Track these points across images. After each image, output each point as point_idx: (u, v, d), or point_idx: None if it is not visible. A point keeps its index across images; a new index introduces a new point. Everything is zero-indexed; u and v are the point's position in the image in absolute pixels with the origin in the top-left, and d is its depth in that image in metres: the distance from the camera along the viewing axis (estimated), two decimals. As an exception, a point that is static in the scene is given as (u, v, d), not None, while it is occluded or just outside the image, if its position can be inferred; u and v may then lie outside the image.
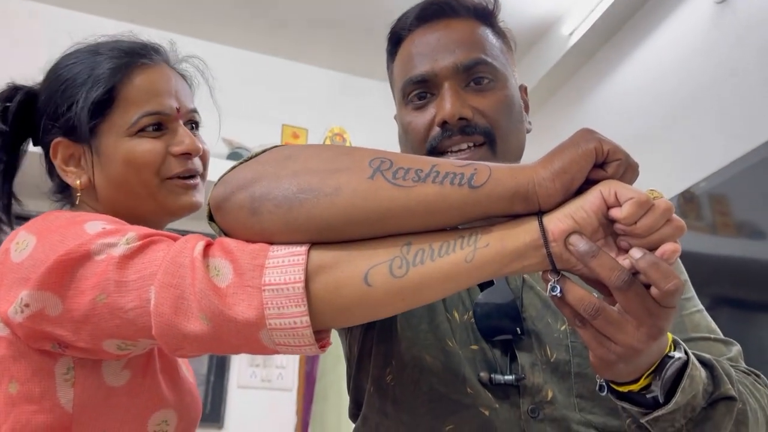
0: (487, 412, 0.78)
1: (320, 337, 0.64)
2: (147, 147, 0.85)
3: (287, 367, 3.23)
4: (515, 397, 0.79)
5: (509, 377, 0.79)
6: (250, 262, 0.62)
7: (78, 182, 0.86)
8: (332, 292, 0.61)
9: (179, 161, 0.87)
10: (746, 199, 2.21)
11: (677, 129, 2.55)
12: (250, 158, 0.70)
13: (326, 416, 3.74)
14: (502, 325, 0.81)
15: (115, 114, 0.85)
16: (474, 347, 0.82)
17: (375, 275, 0.61)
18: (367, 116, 3.07)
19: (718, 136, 2.34)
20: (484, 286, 0.83)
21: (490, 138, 0.84)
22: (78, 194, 0.87)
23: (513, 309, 0.82)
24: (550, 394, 0.79)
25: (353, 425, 0.92)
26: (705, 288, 2.15)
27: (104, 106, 0.85)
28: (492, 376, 0.79)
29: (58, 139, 0.86)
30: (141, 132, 0.85)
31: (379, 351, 0.85)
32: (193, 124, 0.93)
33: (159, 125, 0.87)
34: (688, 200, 2.41)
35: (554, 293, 0.59)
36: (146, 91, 0.86)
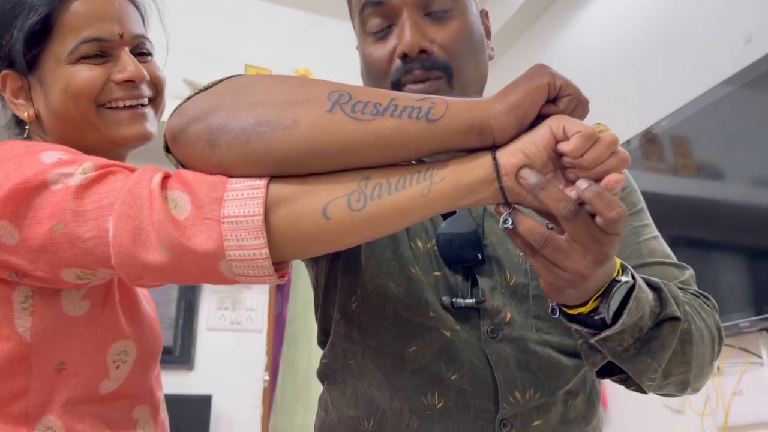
0: (448, 334, 0.81)
1: (279, 267, 0.65)
2: (85, 74, 0.82)
3: (257, 309, 3.26)
4: (475, 320, 0.82)
5: (470, 300, 0.82)
6: (208, 195, 0.62)
7: (26, 114, 0.84)
8: (291, 225, 0.62)
9: (121, 88, 0.84)
10: (706, 138, 2.24)
11: (638, 68, 2.57)
12: (207, 88, 0.69)
13: (297, 359, 3.81)
14: (464, 252, 0.84)
15: (55, 42, 0.83)
16: (437, 273, 0.84)
17: (333, 208, 0.62)
18: (333, 57, 3.03)
19: (679, 74, 2.37)
20: (446, 215, 0.85)
21: (449, 72, 0.84)
22: (26, 127, 0.85)
23: (474, 237, 0.84)
24: (508, 316, 0.82)
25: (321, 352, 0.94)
26: (664, 228, 2.21)
27: (42, 34, 0.82)
28: (453, 300, 0.82)
29: (5, 71, 0.84)
30: (82, 60, 0.83)
31: (345, 280, 0.87)
32: (143, 51, 0.89)
33: (102, 53, 0.84)
34: (649, 141, 2.45)
35: (506, 225, 0.62)
36: (86, 16, 0.83)
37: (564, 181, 0.61)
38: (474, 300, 0.82)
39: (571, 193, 0.60)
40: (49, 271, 0.69)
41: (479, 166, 0.61)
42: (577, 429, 0.84)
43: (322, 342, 0.94)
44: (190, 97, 0.69)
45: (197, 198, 0.63)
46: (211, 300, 3.19)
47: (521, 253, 0.84)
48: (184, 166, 0.68)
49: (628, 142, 2.50)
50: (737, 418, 2.00)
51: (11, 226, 0.67)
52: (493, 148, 0.62)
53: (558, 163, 0.61)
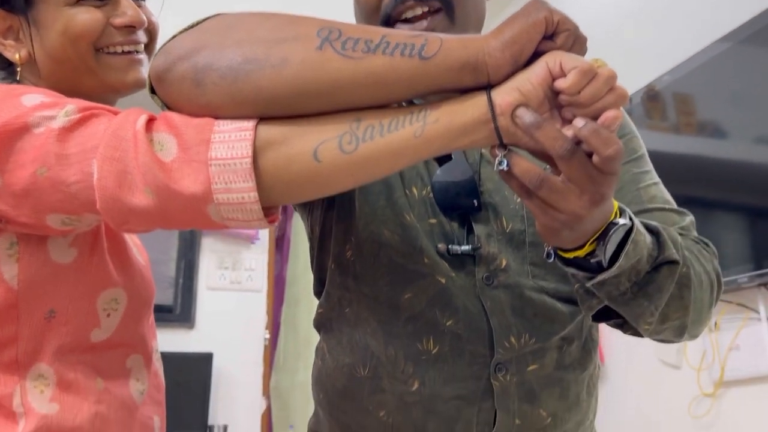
0: (443, 280, 0.81)
1: (268, 212, 0.64)
2: (85, 17, 0.80)
3: (256, 269, 3.27)
4: (471, 267, 0.82)
5: (465, 247, 0.81)
6: (195, 137, 0.61)
7: (17, 56, 0.82)
8: (281, 168, 0.61)
9: (120, 33, 0.82)
10: (709, 95, 2.22)
11: (640, 22, 2.53)
12: (192, 26, 0.67)
13: (298, 319, 3.84)
14: (460, 200, 0.83)
15: None
16: (432, 221, 0.83)
17: (324, 151, 0.61)
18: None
19: (681, 28, 2.32)
20: (442, 161, 0.84)
21: (449, 6, 0.81)
22: (18, 69, 0.83)
23: (471, 184, 0.83)
24: (504, 263, 0.82)
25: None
26: (666, 186, 2.20)
27: None
28: (449, 246, 0.81)
29: None
30: (81, 1, 0.81)
31: (339, 229, 0.87)
32: None
33: None
34: (651, 98, 2.42)
35: (501, 167, 0.60)
36: None
37: (560, 120, 0.60)
38: (470, 247, 0.81)
39: (568, 132, 0.58)
40: (33, 217, 0.68)
41: (473, 106, 0.60)
42: (573, 375, 0.84)
43: (317, 292, 0.94)
44: (175, 36, 0.67)
45: (183, 140, 0.61)
46: (210, 259, 3.20)
47: (518, 200, 0.84)
48: (169, 108, 0.67)
49: (630, 99, 2.47)
50: (733, 373, 2.01)
51: None
52: (488, 87, 0.60)
53: (554, 102, 0.60)
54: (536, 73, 0.59)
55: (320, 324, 0.92)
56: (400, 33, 0.61)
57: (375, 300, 0.83)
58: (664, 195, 0.88)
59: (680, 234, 0.79)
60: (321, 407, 0.91)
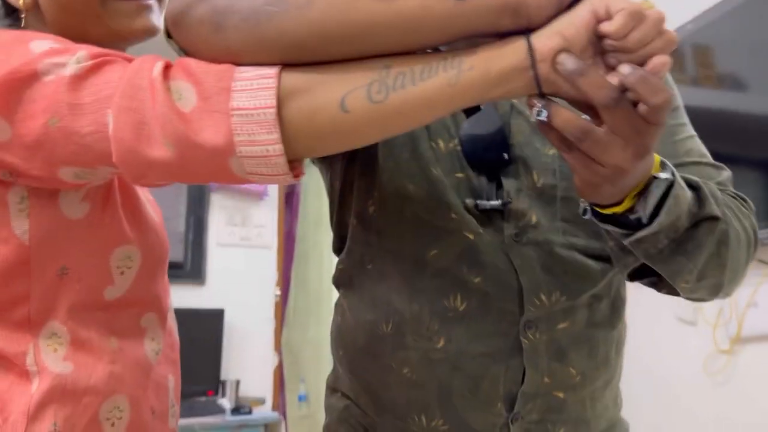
0: (471, 236, 0.78)
1: (293, 165, 0.61)
2: None
3: (266, 225, 3.26)
4: (499, 222, 0.79)
5: (495, 202, 0.78)
6: (215, 85, 0.58)
7: (21, 2, 0.78)
8: (306, 119, 0.58)
9: None
10: (729, 46, 2.15)
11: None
12: None
13: (308, 275, 3.87)
14: (489, 153, 0.80)
15: None
16: (459, 175, 0.80)
17: (352, 100, 0.58)
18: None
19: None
20: (470, 111, 0.80)
21: None
22: (22, 16, 0.78)
23: (500, 136, 0.80)
24: (534, 219, 0.79)
25: (336, 259, 0.92)
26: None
27: None
28: (477, 202, 0.79)
29: None
30: None
31: (361, 184, 0.84)
32: None
33: None
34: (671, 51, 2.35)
35: (540, 117, 0.57)
36: None
37: (604, 67, 0.56)
38: (499, 202, 0.78)
39: (613, 79, 0.55)
40: (45, 170, 0.65)
41: (512, 52, 0.56)
42: (603, 333, 0.82)
43: (338, 249, 0.91)
44: None
45: (203, 88, 0.58)
46: (220, 216, 3.18)
47: (550, 152, 0.80)
48: (187, 54, 0.63)
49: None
50: (751, 330, 2.00)
51: (2, 120, 0.63)
52: (528, 31, 0.57)
53: (598, 48, 0.56)
54: (580, 15, 0.55)
55: (340, 281, 0.90)
56: None
57: (399, 256, 0.81)
58: (700, 148, 0.85)
59: (718, 189, 0.76)
60: (341, 364, 0.89)
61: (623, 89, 0.55)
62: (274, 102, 0.57)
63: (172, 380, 0.86)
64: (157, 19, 0.80)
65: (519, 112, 0.82)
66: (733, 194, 0.80)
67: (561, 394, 0.79)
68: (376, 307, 0.82)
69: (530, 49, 0.56)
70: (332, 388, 0.92)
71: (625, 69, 0.54)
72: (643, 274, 0.75)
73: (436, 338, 0.78)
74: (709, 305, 2.14)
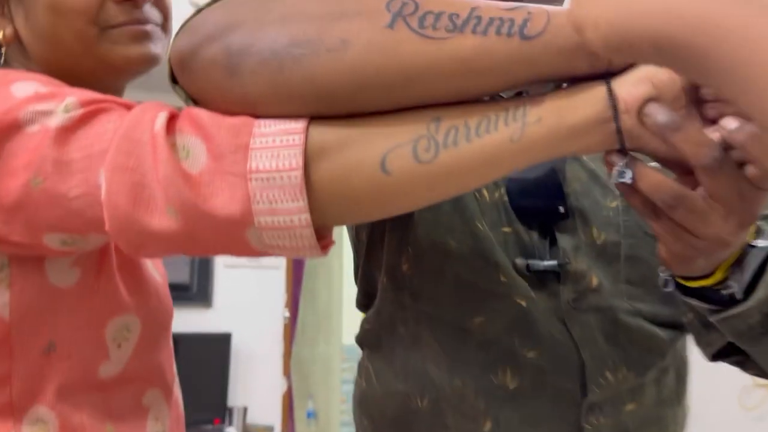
0: (523, 303, 0.69)
1: (321, 235, 0.53)
2: None
3: (274, 245, 3.22)
4: (554, 286, 0.70)
5: (550, 262, 0.70)
6: (230, 141, 0.50)
7: (1, 34, 0.70)
8: (339, 183, 0.50)
9: (122, 9, 0.69)
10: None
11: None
12: None
13: (317, 291, 3.83)
14: (541, 204, 0.71)
15: None
16: (506, 230, 0.71)
17: (395, 160, 0.49)
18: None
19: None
20: None
21: None
22: (3, 50, 0.71)
23: (554, 184, 0.71)
24: (594, 281, 0.70)
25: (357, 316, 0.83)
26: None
27: None
28: (529, 262, 0.70)
29: None
30: None
31: (393, 237, 0.75)
32: None
33: None
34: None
35: (623, 179, 0.49)
36: None
37: (699, 119, 0.48)
38: (555, 262, 0.69)
39: (714, 135, 0.46)
40: (27, 236, 0.57)
41: (588, 102, 0.48)
42: (671, 411, 0.73)
43: (363, 305, 0.82)
44: (201, 10, 0.55)
45: (215, 145, 0.50)
46: (227, 235, 3.14)
47: (612, 204, 0.71)
48: (195, 102, 0.55)
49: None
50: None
51: None
52: (608, 75, 0.48)
53: (693, 96, 0.47)
54: None
55: (365, 341, 0.81)
56: (494, 5, 0.49)
57: (438, 321, 0.72)
58: None
59: None
60: None
61: (727, 147, 0.46)
62: (300, 163, 0.49)
63: None
64: (156, 47, 0.72)
65: (575, 157, 0.73)
66: None
67: None
68: (408, 376, 0.73)
69: (612, 98, 0.47)
70: None
71: (730, 123, 0.46)
72: (727, 352, 0.65)
73: (482, 419, 0.69)
74: None
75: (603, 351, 0.68)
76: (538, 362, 0.68)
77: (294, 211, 0.49)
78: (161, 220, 0.51)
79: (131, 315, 0.69)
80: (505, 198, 0.71)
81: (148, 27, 0.71)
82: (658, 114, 0.46)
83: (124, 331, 0.69)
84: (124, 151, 0.52)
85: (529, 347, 0.68)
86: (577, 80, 0.49)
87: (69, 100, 0.55)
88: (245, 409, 2.94)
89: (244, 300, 3.08)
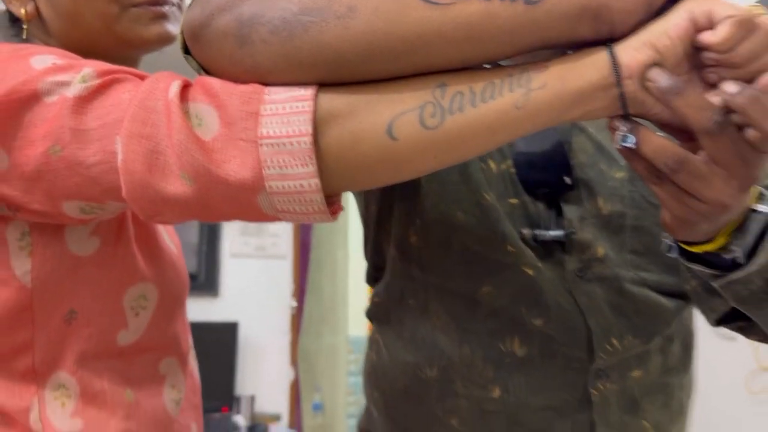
0: (530, 272, 0.70)
1: (330, 201, 0.54)
2: None
3: (281, 235, 3.21)
4: (560, 255, 0.71)
5: (556, 232, 0.70)
6: (241, 109, 0.51)
7: (23, 11, 0.71)
8: (348, 148, 0.51)
9: None
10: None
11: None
12: None
13: (322, 283, 3.82)
14: (547, 175, 0.72)
15: None
16: (513, 201, 0.72)
17: (402, 126, 0.50)
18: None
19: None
20: None
21: None
22: (25, 26, 0.72)
23: (560, 156, 0.71)
24: (600, 251, 0.71)
25: (365, 292, 0.85)
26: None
27: None
28: (535, 232, 0.71)
29: None
30: None
31: (401, 209, 0.76)
32: None
33: None
34: None
35: (626, 144, 0.50)
36: None
37: (701, 83, 0.48)
38: (561, 232, 0.70)
39: (715, 99, 0.47)
40: (47, 204, 0.58)
41: (592, 67, 0.49)
42: (677, 379, 0.74)
43: (373, 279, 0.83)
44: None
45: (227, 113, 0.51)
46: (234, 225, 3.13)
47: (618, 176, 0.72)
48: (207, 72, 0.56)
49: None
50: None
51: None
52: (610, 41, 0.49)
53: (696, 61, 0.48)
54: (675, 23, 0.47)
55: (375, 315, 0.83)
56: None
57: (446, 292, 0.73)
58: None
59: None
60: (376, 406, 0.82)
61: (728, 111, 0.47)
62: (310, 129, 0.50)
63: (195, 428, 0.79)
64: (173, 27, 0.73)
65: (581, 129, 0.73)
66: None
67: None
68: (418, 347, 0.75)
69: (615, 63, 0.48)
70: (364, 430, 0.84)
71: (731, 87, 0.46)
72: (729, 317, 0.66)
73: (491, 387, 0.70)
74: (748, 320, 2.07)
75: (609, 319, 0.69)
76: (545, 330, 0.69)
77: (304, 176, 0.50)
78: (175, 185, 0.52)
79: (148, 284, 0.71)
80: (512, 170, 0.72)
81: (166, 8, 0.73)
82: (661, 79, 0.47)
83: (141, 299, 0.70)
84: (140, 119, 0.53)
85: (536, 316, 0.69)
86: (580, 47, 0.50)
87: (86, 71, 0.56)
88: (252, 398, 2.95)
89: (251, 289, 3.10)
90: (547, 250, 0.71)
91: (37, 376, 0.65)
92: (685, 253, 0.60)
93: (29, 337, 0.64)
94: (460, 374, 0.72)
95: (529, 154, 0.72)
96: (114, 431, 0.67)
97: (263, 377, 3.05)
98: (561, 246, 0.71)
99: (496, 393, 0.70)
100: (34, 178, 0.57)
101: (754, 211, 0.56)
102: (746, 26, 0.45)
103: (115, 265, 0.68)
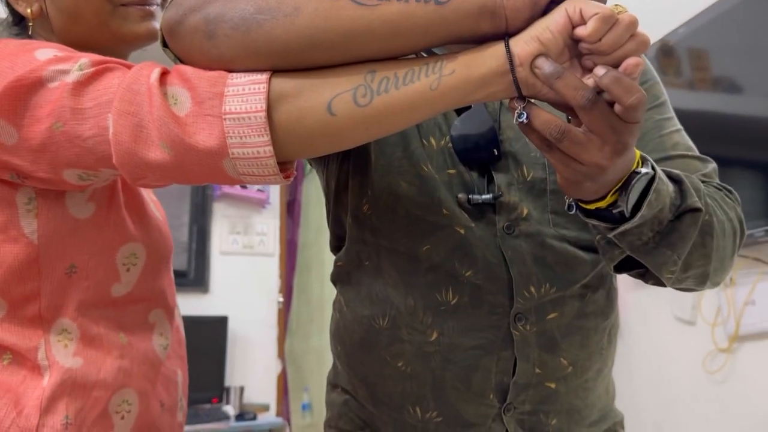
0: (462, 231, 0.80)
1: (284, 167, 0.64)
2: None
3: (268, 234, 3.28)
4: (491, 216, 0.81)
5: (486, 196, 0.81)
6: (208, 90, 0.61)
7: (29, 11, 0.81)
8: (295, 122, 0.61)
9: None
10: (723, 49, 2.18)
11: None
12: None
13: (310, 285, 3.86)
14: (480, 150, 0.82)
15: None
16: (451, 171, 0.83)
17: (339, 104, 0.61)
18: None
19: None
20: (460, 110, 0.83)
21: None
22: (30, 24, 0.82)
23: (491, 133, 0.82)
24: (525, 212, 0.81)
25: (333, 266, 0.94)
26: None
27: None
28: (469, 196, 0.81)
29: None
30: None
31: (355, 182, 0.86)
32: None
33: None
34: (665, 54, 2.38)
35: (521, 119, 0.60)
36: None
37: (580, 69, 0.59)
38: (490, 196, 0.80)
39: (589, 81, 0.57)
40: (50, 171, 0.68)
41: (491, 57, 0.59)
42: (594, 323, 0.84)
43: (335, 247, 0.94)
44: None
45: (197, 93, 0.61)
46: (222, 224, 3.21)
47: None
48: (182, 62, 0.66)
49: (644, 55, 2.43)
50: (748, 328, 2.01)
51: (9, 125, 0.66)
52: (506, 36, 0.59)
53: (574, 51, 0.59)
54: (556, 20, 0.58)
55: (338, 277, 0.93)
56: None
57: (394, 252, 0.83)
58: (686, 142, 0.87)
59: (703, 181, 0.78)
60: (339, 359, 0.92)
61: (599, 90, 0.57)
62: (264, 106, 0.59)
63: (181, 375, 0.88)
64: (158, 25, 0.84)
65: (508, 110, 0.84)
66: (718, 186, 0.82)
67: (553, 385, 0.81)
68: (373, 302, 0.85)
69: (509, 54, 0.58)
70: (332, 384, 0.94)
71: (599, 71, 0.57)
72: (629, 266, 0.76)
73: (430, 332, 0.80)
74: (707, 304, 2.15)
75: (530, 269, 0.79)
76: (474, 281, 0.79)
77: (260, 144, 0.60)
78: (156, 153, 0.62)
79: (138, 243, 0.80)
80: (450, 145, 0.83)
81: (154, 8, 0.84)
82: (545, 66, 0.57)
83: (132, 257, 0.80)
84: (127, 100, 0.63)
85: (467, 268, 0.79)
86: (483, 41, 0.60)
87: (82, 61, 0.66)
88: (242, 389, 3.00)
89: (239, 286, 3.14)
90: (480, 212, 0.81)
91: (43, 322, 0.74)
92: (583, 211, 0.70)
93: (36, 287, 0.74)
94: (405, 322, 0.81)
95: (465, 134, 0.82)
96: (110, 367, 0.76)
97: (252, 369, 3.10)
98: (492, 208, 0.81)
99: (434, 336, 0.80)
100: (39, 150, 0.66)
101: (637, 173, 0.65)
102: (609, 21, 0.56)
103: (108, 227, 0.77)
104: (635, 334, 2.51)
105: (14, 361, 0.73)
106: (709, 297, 2.13)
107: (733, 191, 0.83)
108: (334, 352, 0.93)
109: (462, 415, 0.80)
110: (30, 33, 0.82)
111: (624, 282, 2.57)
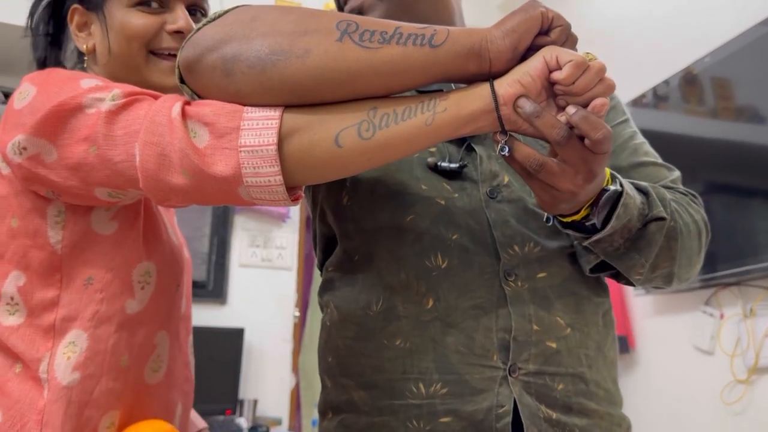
0: (443, 202, 0.86)
1: (293, 191, 0.70)
2: (141, 20, 0.89)
3: (287, 247, 3.31)
4: (473, 184, 0.87)
5: (454, 165, 0.87)
6: (225, 125, 0.67)
7: (85, 47, 0.92)
8: (305, 153, 0.67)
9: (172, 38, 0.91)
10: (747, 79, 2.17)
11: (678, 5, 2.48)
12: (214, 18, 0.72)
13: None
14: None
15: None
16: (432, 149, 0.89)
17: (345, 137, 0.67)
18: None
19: (721, 11, 2.28)
20: None
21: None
22: (86, 58, 0.93)
23: None
24: (506, 179, 0.88)
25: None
26: (701, 173, 2.17)
27: None
28: (449, 165, 0.87)
29: (74, 5, 0.93)
30: (140, 6, 0.90)
31: (332, 183, 0.91)
32: (198, 9, 0.96)
33: (160, 3, 0.91)
34: (689, 82, 2.38)
35: (504, 152, 0.68)
36: None
37: (555, 108, 0.67)
38: (458, 165, 0.87)
39: (561, 118, 0.66)
40: (83, 189, 0.75)
41: (479, 97, 0.67)
42: (586, 293, 0.88)
43: (321, 262, 0.99)
44: (200, 28, 0.72)
45: (215, 128, 0.67)
46: (242, 237, 3.25)
47: None
48: (199, 97, 0.72)
49: (666, 82, 2.44)
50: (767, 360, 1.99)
51: (50, 144, 0.73)
52: (491, 79, 0.67)
53: (550, 92, 0.67)
54: (534, 66, 0.65)
55: (326, 286, 0.95)
56: (411, 25, 0.68)
57: (379, 231, 0.87)
58: (654, 152, 0.97)
59: (670, 187, 0.88)
60: (330, 373, 0.91)
61: (571, 126, 0.65)
62: (275, 140, 0.66)
63: (181, 409, 0.92)
64: None
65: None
66: (684, 191, 0.90)
67: (554, 344, 0.82)
68: (367, 291, 0.87)
69: (494, 95, 0.66)
70: (322, 412, 0.93)
71: (570, 109, 0.65)
72: (603, 268, 0.85)
73: (425, 300, 0.83)
74: (726, 335, 2.13)
75: (513, 229, 0.85)
76: (461, 243, 0.83)
77: (271, 174, 0.66)
78: (178, 179, 0.68)
79: (151, 263, 0.86)
80: None
81: None
82: (526, 106, 0.65)
83: (146, 275, 0.86)
84: (151, 131, 0.69)
85: (453, 232, 0.84)
86: (472, 81, 0.68)
87: (115, 92, 0.73)
88: (255, 402, 3.01)
89: (257, 298, 3.17)
90: (461, 179, 0.87)
91: (56, 334, 0.79)
92: (561, 223, 0.78)
93: (57, 296, 0.79)
94: (400, 299, 0.84)
95: None
96: (103, 388, 0.80)
97: (266, 382, 3.11)
98: (473, 182, 0.87)
99: (430, 303, 0.83)
100: (75, 169, 0.73)
101: (606, 190, 0.74)
102: (582, 67, 0.64)
103: (127, 245, 0.83)
104: (653, 363, 2.48)
105: (23, 370, 0.78)
106: (728, 327, 2.12)
107: (698, 196, 0.91)
108: (323, 370, 0.93)
109: (468, 382, 0.80)
110: (84, 66, 0.93)
111: (642, 310, 2.56)
